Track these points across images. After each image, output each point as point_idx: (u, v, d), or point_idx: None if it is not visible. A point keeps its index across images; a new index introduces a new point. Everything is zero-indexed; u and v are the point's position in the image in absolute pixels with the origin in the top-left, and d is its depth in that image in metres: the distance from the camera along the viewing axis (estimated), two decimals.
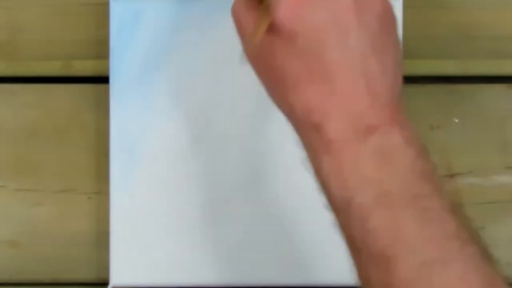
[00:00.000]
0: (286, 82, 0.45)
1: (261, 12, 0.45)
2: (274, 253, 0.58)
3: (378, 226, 0.42)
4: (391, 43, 0.46)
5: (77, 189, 0.60)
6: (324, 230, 0.58)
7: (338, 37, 0.44)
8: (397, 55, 0.46)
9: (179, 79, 0.58)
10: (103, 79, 0.59)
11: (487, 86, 0.61)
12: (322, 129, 0.43)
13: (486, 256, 0.43)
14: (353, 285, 0.57)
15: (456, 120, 0.60)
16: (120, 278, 0.58)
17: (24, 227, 0.60)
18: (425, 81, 0.60)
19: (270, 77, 0.46)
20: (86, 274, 0.60)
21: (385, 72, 0.44)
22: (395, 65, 0.45)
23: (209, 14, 0.58)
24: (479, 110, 0.61)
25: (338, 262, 0.56)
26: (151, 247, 0.58)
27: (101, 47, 0.59)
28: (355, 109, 0.43)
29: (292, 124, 0.46)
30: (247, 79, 0.58)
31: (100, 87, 0.60)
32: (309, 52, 0.44)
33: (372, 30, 0.44)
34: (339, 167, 0.43)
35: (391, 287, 0.41)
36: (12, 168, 0.60)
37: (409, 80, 0.59)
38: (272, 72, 0.46)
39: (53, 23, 0.60)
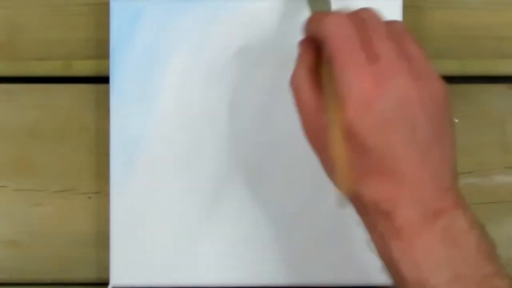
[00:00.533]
0: (352, 172, 0.46)
1: (330, 105, 0.47)
2: (274, 253, 0.58)
3: None
4: (449, 126, 0.47)
5: (77, 189, 0.60)
6: (324, 230, 0.58)
7: (406, 133, 0.45)
8: (453, 136, 0.47)
9: (179, 79, 0.58)
10: (103, 79, 0.59)
11: (487, 86, 0.61)
12: (391, 216, 0.45)
13: None
14: (353, 285, 0.58)
15: (456, 120, 0.60)
16: (120, 278, 0.58)
17: (24, 227, 0.60)
18: None
19: (330, 161, 0.47)
20: (86, 274, 0.60)
21: (447, 157, 0.46)
22: (452, 147, 0.47)
23: (209, 14, 0.58)
24: (479, 110, 0.61)
25: (338, 262, 0.56)
26: (151, 247, 0.58)
27: (101, 47, 0.59)
28: (423, 196, 0.45)
29: (355, 207, 0.47)
30: (248, 79, 0.58)
31: (100, 87, 0.60)
32: (379, 147, 0.45)
33: (436, 119, 0.46)
34: (411, 251, 0.45)
35: None
36: (12, 168, 0.60)
37: None
38: (329, 159, 0.47)
39: (53, 23, 0.60)
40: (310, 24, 0.50)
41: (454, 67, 0.60)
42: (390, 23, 0.48)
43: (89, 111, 0.60)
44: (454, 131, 0.48)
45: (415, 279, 0.44)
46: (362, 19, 0.48)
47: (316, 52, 0.49)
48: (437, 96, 0.46)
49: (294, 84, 0.49)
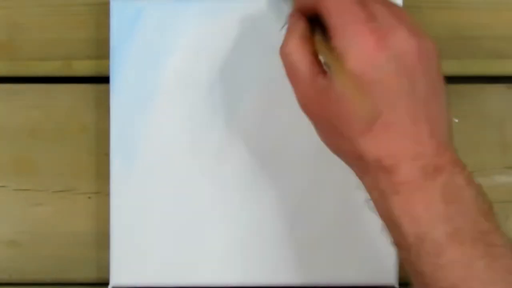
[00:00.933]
0: (353, 129, 0.47)
1: (331, 61, 0.47)
2: (274, 253, 0.58)
3: (450, 261, 0.44)
4: (442, 83, 0.48)
5: (77, 189, 0.60)
6: (324, 230, 0.58)
7: (408, 85, 0.46)
8: (446, 95, 0.49)
9: (179, 79, 0.58)
10: (103, 79, 0.59)
11: (487, 86, 0.61)
12: (393, 172, 0.46)
13: None
14: (353, 285, 0.58)
15: (456, 120, 0.60)
16: (120, 278, 0.58)
17: (24, 227, 0.60)
18: None
19: (330, 124, 0.48)
20: (86, 274, 0.60)
21: (443, 114, 0.48)
22: (447, 105, 0.48)
23: (209, 14, 0.58)
24: (479, 110, 0.61)
25: (338, 262, 0.56)
26: (151, 247, 0.58)
27: (101, 47, 0.59)
28: (424, 151, 0.46)
29: (356, 168, 0.48)
30: (248, 79, 0.58)
31: (100, 87, 0.60)
32: (382, 100, 0.46)
33: (432, 74, 0.47)
34: (412, 206, 0.45)
35: None
36: (12, 168, 0.60)
37: None
38: (334, 119, 0.47)
39: (53, 23, 0.60)
40: None
41: (454, 67, 0.60)
42: None
43: (89, 111, 0.60)
44: (445, 90, 0.49)
45: (415, 233, 0.45)
46: None
47: (306, 23, 0.50)
48: (432, 52, 0.47)
49: (286, 51, 0.49)
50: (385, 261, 0.58)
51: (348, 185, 0.58)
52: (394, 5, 0.49)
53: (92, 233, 0.60)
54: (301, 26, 0.50)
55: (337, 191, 0.58)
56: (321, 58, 0.49)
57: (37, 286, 0.61)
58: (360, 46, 0.46)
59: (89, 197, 0.60)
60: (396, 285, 0.58)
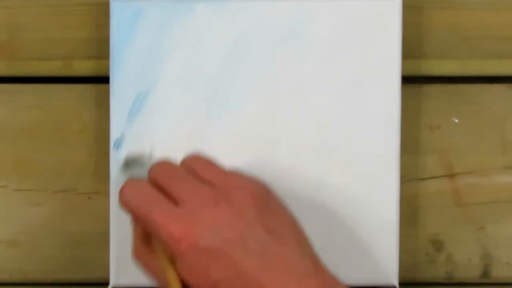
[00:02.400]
0: None
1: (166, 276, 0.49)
2: None
3: None
4: (280, 216, 0.50)
5: (77, 189, 0.60)
6: (324, 230, 0.58)
7: (239, 248, 0.47)
8: (291, 220, 0.50)
9: (179, 79, 0.58)
10: (103, 79, 0.59)
11: (487, 86, 0.61)
12: None
13: None
14: (353, 285, 0.57)
15: (456, 120, 0.60)
16: (120, 278, 0.58)
17: (24, 227, 0.60)
18: (425, 81, 0.60)
19: None
20: (86, 274, 0.60)
21: (290, 247, 0.48)
22: (295, 233, 0.49)
23: (209, 14, 0.58)
24: (479, 110, 0.61)
25: (339, 262, 0.56)
26: None
27: (101, 47, 0.59)
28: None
29: None
30: (247, 79, 0.58)
31: (100, 87, 0.60)
32: (226, 275, 0.47)
33: (260, 220, 0.48)
34: None
35: None
36: (12, 168, 0.60)
37: (409, 80, 0.59)
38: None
39: (53, 23, 0.60)
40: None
41: (454, 67, 0.60)
42: (183, 162, 0.52)
43: (89, 111, 0.60)
44: (290, 214, 0.50)
45: None
46: (154, 177, 0.50)
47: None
48: (249, 202, 0.48)
49: (135, 257, 0.52)
50: (386, 261, 0.58)
51: (349, 185, 0.58)
52: (198, 167, 0.51)
53: (92, 233, 0.60)
54: (137, 230, 0.52)
55: (337, 191, 0.58)
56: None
57: (37, 286, 0.61)
58: (176, 242, 0.47)
59: (89, 197, 0.60)
60: (397, 285, 0.58)
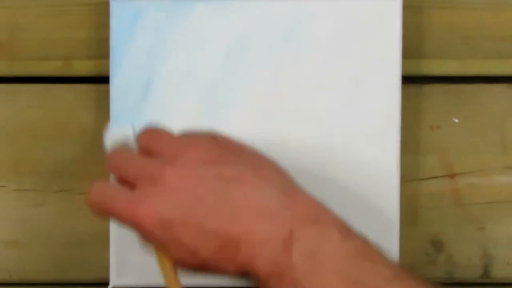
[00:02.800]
0: (208, 265, 0.47)
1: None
2: None
3: None
4: (232, 162, 0.48)
5: (77, 189, 0.60)
6: None
7: (198, 208, 0.46)
8: (248, 159, 0.49)
9: (179, 78, 0.58)
10: (103, 79, 0.59)
11: (487, 86, 0.61)
12: (256, 273, 0.46)
13: None
14: None
15: (456, 120, 0.60)
16: (120, 278, 0.58)
17: (24, 227, 0.60)
18: (425, 81, 0.60)
19: None
20: (86, 274, 0.60)
21: (251, 190, 0.47)
22: (254, 171, 0.47)
23: (209, 14, 0.58)
24: (479, 110, 0.61)
25: None
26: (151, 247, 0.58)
27: (101, 47, 0.59)
28: (263, 235, 0.45)
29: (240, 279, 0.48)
30: (247, 79, 0.58)
31: (100, 87, 0.60)
32: (198, 240, 0.46)
33: (210, 174, 0.47)
34: None
35: None
36: (12, 168, 0.60)
37: (409, 80, 0.59)
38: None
39: (53, 23, 0.60)
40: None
41: (454, 67, 0.60)
42: (138, 138, 0.51)
43: (89, 111, 0.60)
44: (251, 154, 0.49)
45: None
46: (115, 163, 0.50)
47: None
48: (196, 159, 0.47)
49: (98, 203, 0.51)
50: None
51: (349, 185, 0.58)
52: (150, 140, 0.50)
53: (92, 233, 0.60)
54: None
55: (337, 191, 0.58)
56: None
57: (37, 286, 0.61)
58: (143, 230, 0.47)
59: None
60: None
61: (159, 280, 0.58)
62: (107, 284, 0.58)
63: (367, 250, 0.46)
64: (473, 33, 0.60)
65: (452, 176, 0.60)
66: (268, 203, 0.46)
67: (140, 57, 0.58)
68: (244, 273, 0.46)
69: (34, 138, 0.60)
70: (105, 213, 0.49)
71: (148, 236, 0.47)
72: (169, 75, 0.58)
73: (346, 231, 0.46)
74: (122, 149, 0.51)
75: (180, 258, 0.47)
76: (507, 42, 0.60)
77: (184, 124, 0.58)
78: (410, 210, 0.60)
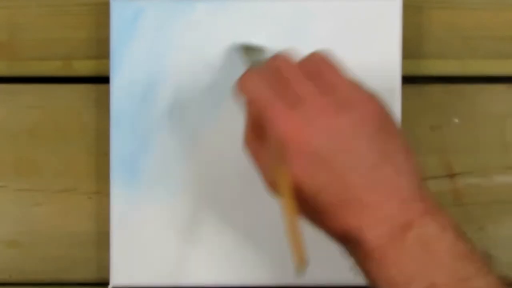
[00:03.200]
0: (317, 211, 0.47)
1: (277, 173, 0.48)
2: (273, 253, 0.58)
3: None
4: (394, 137, 0.48)
5: (77, 189, 0.60)
6: None
7: (349, 162, 0.46)
8: (403, 146, 0.48)
9: (179, 79, 0.58)
10: (103, 79, 0.59)
11: (487, 86, 0.61)
12: (362, 241, 0.46)
13: None
14: (352, 285, 0.58)
15: (456, 120, 0.60)
16: (120, 278, 0.58)
17: (24, 227, 0.60)
18: (425, 81, 0.60)
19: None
20: (86, 274, 0.60)
21: (401, 170, 0.47)
22: (406, 158, 0.48)
23: (209, 14, 0.58)
24: (479, 110, 0.61)
25: (338, 262, 0.56)
26: (151, 247, 0.58)
27: (101, 47, 0.59)
28: (387, 213, 0.46)
29: (332, 238, 0.48)
30: None
31: (100, 87, 0.60)
32: (327, 184, 0.46)
33: (376, 139, 0.47)
34: (386, 269, 0.46)
35: None
36: (12, 168, 0.60)
37: (409, 80, 0.59)
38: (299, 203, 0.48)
39: (53, 23, 0.60)
40: (235, 91, 0.52)
41: (454, 67, 0.60)
42: (310, 58, 0.50)
43: (89, 111, 0.60)
44: (405, 139, 0.48)
45: None
46: (277, 68, 0.49)
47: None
48: (370, 117, 0.47)
49: (244, 144, 0.51)
50: None
51: None
52: (328, 69, 0.49)
53: (92, 233, 0.60)
54: (251, 115, 0.51)
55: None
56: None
57: (37, 286, 0.61)
58: (291, 143, 0.46)
59: (89, 197, 0.60)
60: None
61: (159, 280, 0.58)
62: (107, 284, 0.58)
63: (475, 255, 0.46)
64: (473, 33, 0.60)
65: (452, 176, 0.60)
66: (404, 190, 0.47)
67: (140, 57, 0.58)
68: (345, 236, 0.47)
69: (34, 138, 0.60)
70: (253, 105, 0.49)
71: (286, 151, 0.46)
72: (169, 75, 0.58)
73: (459, 233, 0.46)
74: (294, 60, 0.50)
75: (301, 184, 0.47)
76: (507, 42, 0.60)
77: (185, 124, 0.58)
78: None
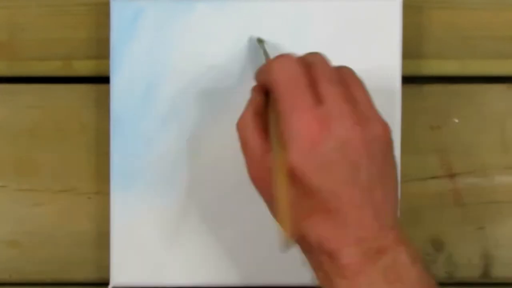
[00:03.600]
0: (296, 212, 0.47)
1: (276, 147, 0.48)
2: (273, 253, 0.58)
3: None
4: (392, 167, 0.49)
5: (77, 189, 0.60)
6: None
7: (350, 174, 0.47)
8: (395, 176, 0.49)
9: (179, 78, 0.58)
10: (103, 79, 0.59)
11: (487, 86, 0.61)
12: (335, 256, 0.47)
13: None
14: None
15: (456, 120, 0.60)
16: (120, 278, 0.58)
17: (24, 227, 0.60)
18: (425, 81, 0.60)
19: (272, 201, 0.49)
20: (86, 274, 0.60)
21: (388, 197, 0.48)
22: (394, 187, 0.49)
23: (209, 14, 0.58)
24: (479, 110, 0.61)
25: None
26: (151, 247, 0.58)
27: (101, 47, 0.60)
28: (365, 235, 0.47)
29: (300, 246, 0.49)
30: (248, 78, 0.58)
31: (100, 87, 0.60)
32: (322, 188, 0.47)
33: (379, 160, 0.48)
34: None
35: None
36: (12, 168, 0.60)
37: (409, 80, 0.59)
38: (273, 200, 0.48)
39: (53, 23, 0.60)
40: (260, 72, 0.52)
41: (454, 67, 0.60)
42: (339, 68, 0.50)
43: (89, 111, 0.60)
44: (396, 171, 0.50)
45: None
46: (310, 63, 0.49)
47: (264, 97, 0.51)
48: (379, 138, 0.48)
49: (240, 126, 0.51)
50: None
51: None
52: (354, 83, 0.50)
53: (92, 233, 0.60)
54: (257, 102, 0.51)
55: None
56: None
57: (37, 286, 0.61)
58: (303, 136, 0.47)
59: (89, 197, 0.60)
60: None
61: (159, 280, 0.58)
62: (107, 284, 0.58)
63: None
64: (473, 33, 0.60)
65: (452, 176, 0.60)
66: (387, 214, 0.48)
67: (140, 57, 0.58)
68: (318, 244, 0.47)
69: (34, 138, 0.60)
70: (276, 92, 0.48)
71: (298, 145, 0.47)
72: (169, 75, 0.58)
73: (425, 267, 0.47)
74: (328, 60, 0.50)
75: (308, 177, 0.47)
76: (507, 42, 0.60)
77: (185, 124, 0.58)
78: (410, 210, 0.60)
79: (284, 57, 0.50)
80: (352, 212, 0.47)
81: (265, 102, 0.51)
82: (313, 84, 0.48)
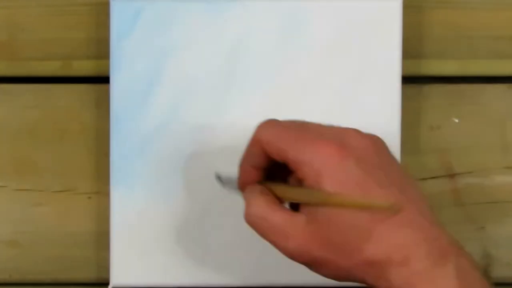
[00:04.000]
0: (353, 242, 0.46)
1: (307, 197, 0.47)
2: (273, 253, 0.58)
3: None
4: (400, 170, 0.48)
5: (77, 189, 0.60)
6: None
7: (383, 177, 0.47)
8: (400, 167, 0.49)
9: (179, 78, 0.58)
10: (103, 79, 0.59)
11: (487, 86, 0.61)
12: (405, 264, 0.45)
13: None
14: (352, 285, 0.57)
15: (456, 120, 0.60)
16: (120, 278, 0.58)
17: (24, 227, 0.60)
18: (425, 81, 0.60)
19: (325, 257, 0.48)
20: (86, 274, 0.60)
21: (422, 195, 0.48)
22: (417, 185, 0.49)
23: (209, 14, 0.58)
24: (479, 110, 0.61)
25: None
26: (151, 247, 0.58)
27: (101, 47, 0.59)
28: (428, 238, 0.46)
29: (369, 277, 0.47)
30: (248, 78, 0.58)
31: (100, 87, 0.60)
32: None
33: (389, 163, 0.48)
34: None
35: None
36: (12, 168, 0.60)
37: (409, 80, 0.59)
38: (328, 247, 0.47)
39: (53, 23, 0.60)
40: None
41: (454, 67, 0.60)
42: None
43: (89, 111, 0.60)
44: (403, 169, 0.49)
45: None
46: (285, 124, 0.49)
47: (260, 183, 0.50)
48: (383, 145, 0.48)
49: (253, 217, 0.49)
50: None
51: None
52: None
53: (92, 233, 0.60)
54: (257, 188, 0.50)
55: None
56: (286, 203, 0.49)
57: (37, 286, 0.61)
58: (326, 163, 0.46)
59: (89, 197, 0.60)
60: None
61: (159, 280, 0.58)
62: (107, 284, 0.58)
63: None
64: (473, 33, 0.60)
65: (452, 176, 0.60)
66: (433, 215, 0.47)
67: (140, 57, 0.58)
68: (370, 263, 0.46)
69: (34, 138, 0.60)
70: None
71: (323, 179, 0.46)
72: (169, 75, 0.58)
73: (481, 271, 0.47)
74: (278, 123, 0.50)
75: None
76: (507, 42, 0.60)
77: (184, 123, 0.58)
78: None
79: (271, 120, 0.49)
80: (407, 213, 0.46)
81: (261, 185, 0.50)
82: (303, 129, 0.48)
